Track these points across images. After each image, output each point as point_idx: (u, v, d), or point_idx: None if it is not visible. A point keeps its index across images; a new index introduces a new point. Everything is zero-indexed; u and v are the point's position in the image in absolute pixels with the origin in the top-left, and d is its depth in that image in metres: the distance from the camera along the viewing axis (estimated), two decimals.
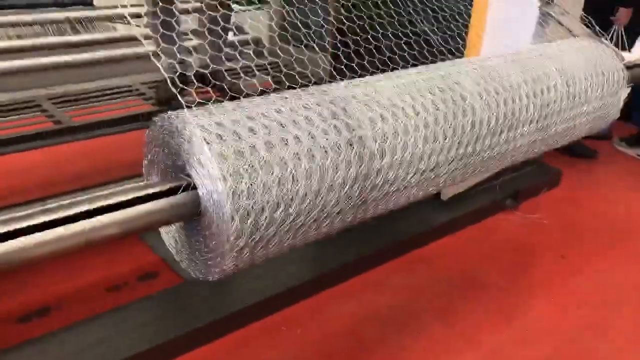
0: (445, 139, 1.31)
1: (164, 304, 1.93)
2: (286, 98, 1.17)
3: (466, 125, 1.35)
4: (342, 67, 1.79)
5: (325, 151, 1.11)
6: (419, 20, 2.15)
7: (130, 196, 0.95)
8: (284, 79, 1.62)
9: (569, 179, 3.15)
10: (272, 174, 1.03)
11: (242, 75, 1.74)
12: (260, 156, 1.02)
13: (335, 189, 1.12)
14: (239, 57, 3.25)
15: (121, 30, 3.88)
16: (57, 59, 3.09)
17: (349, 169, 1.14)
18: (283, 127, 1.08)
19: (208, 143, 0.99)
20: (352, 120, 1.17)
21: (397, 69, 1.51)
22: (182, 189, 0.99)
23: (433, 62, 1.77)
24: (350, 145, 1.14)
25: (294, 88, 1.26)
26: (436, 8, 2.11)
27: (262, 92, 1.46)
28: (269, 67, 2.85)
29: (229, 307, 1.90)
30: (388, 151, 1.21)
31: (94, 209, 0.89)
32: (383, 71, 1.56)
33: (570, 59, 1.73)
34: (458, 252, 2.51)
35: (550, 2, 2.18)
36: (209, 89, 2.04)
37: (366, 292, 2.20)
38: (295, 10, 1.84)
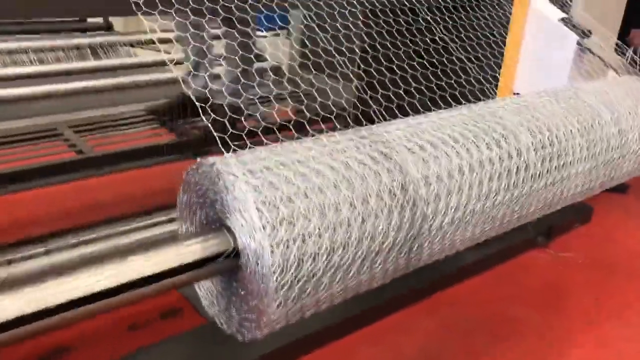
0: (498, 181, 1.24)
1: (186, 347, 1.84)
2: (323, 142, 1.10)
3: (520, 166, 1.28)
4: (368, 97, 1.71)
5: (366, 200, 1.04)
6: (449, 49, 2.08)
7: (166, 264, 0.89)
8: (305, 109, 1.56)
9: (600, 215, 3.05)
10: (312, 224, 0.96)
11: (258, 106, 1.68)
12: (299, 206, 0.95)
13: (379, 239, 1.05)
14: (257, 86, 3.19)
15: (142, 56, 3.87)
16: (78, 85, 3.08)
17: (393, 217, 1.07)
18: (321, 175, 1.01)
19: (248, 193, 0.92)
20: (394, 164, 1.11)
21: (425, 100, 1.44)
22: (225, 254, 0.93)
23: (462, 92, 1.70)
24: (394, 191, 1.07)
25: (317, 120, 1.20)
26: (464, 37, 2.04)
27: (282, 125, 1.39)
28: (289, 96, 2.79)
29: (255, 351, 1.81)
30: (435, 198, 1.14)
31: (126, 283, 0.83)
32: (410, 102, 1.50)
33: (617, 96, 1.66)
34: (487, 293, 2.41)
35: (588, 35, 2.12)
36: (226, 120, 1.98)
37: (393, 335, 2.11)
38: (317, 37, 1.77)
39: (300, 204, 0.96)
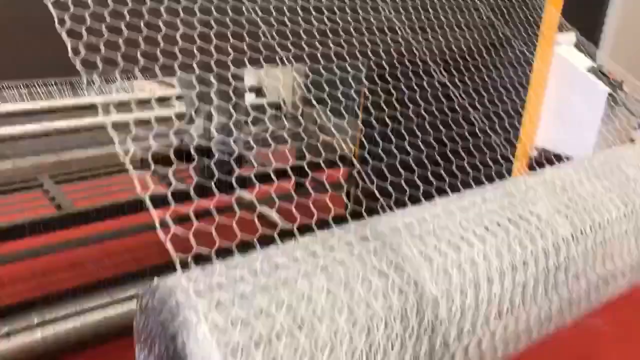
0: (534, 288, 1.01)
1: None
2: (314, 249, 0.87)
3: (559, 266, 1.05)
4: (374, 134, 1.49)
5: (372, 331, 0.81)
6: (468, 115, 1.85)
7: None
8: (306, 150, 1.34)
9: None
10: None
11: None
12: (282, 353, 0.73)
13: None
14: (252, 125, 2.96)
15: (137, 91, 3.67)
16: (63, 124, 2.88)
17: (407, 351, 0.84)
18: (312, 302, 0.78)
19: (212, 342, 0.70)
20: (406, 278, 0.88)
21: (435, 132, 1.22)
22: None
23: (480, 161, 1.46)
24: (406, 317, 0.85)
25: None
26: (486, 101, 1.82)
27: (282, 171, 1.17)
28: (288, 136, 2.57)
29: None
30: (458, 319, 0.91)
31: None
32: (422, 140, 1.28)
33: None
34: None
35: (620, 87, 1.90)
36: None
37: None
38: (320, 70, 1.53)
39: (283, 349, 0.73)
